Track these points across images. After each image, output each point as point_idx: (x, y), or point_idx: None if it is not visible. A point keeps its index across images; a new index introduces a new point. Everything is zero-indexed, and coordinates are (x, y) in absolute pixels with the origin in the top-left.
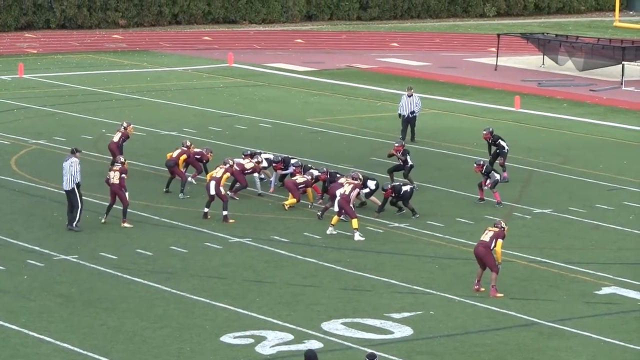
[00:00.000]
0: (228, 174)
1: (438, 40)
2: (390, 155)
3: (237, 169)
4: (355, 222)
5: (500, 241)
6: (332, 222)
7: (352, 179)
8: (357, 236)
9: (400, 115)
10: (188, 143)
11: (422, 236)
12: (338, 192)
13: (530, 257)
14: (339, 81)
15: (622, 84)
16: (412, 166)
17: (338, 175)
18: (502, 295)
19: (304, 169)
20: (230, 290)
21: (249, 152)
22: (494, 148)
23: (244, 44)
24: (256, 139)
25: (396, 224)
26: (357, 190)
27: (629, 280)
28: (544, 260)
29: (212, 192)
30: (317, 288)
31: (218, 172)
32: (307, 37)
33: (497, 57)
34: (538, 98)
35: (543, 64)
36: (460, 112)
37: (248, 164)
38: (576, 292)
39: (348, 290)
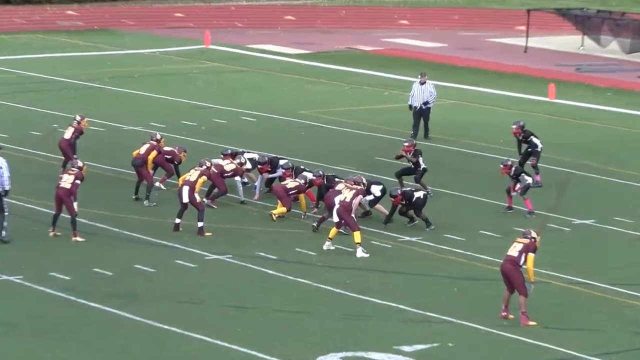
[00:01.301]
0: (204, 177)
1: (456, 17)
2: (399, 157)
3: (216, 171)
4: (357, 236)
5: (531, 255)
6: (330, 236)
7: (354, 184)
8: (360, 252)
9: (411, 106)
10: (158, 136)
11: (438, 252)
12: (337, 200)
13: (569, 277)
14: (338, 66)
15: None
16: (425, 169)
17: (336, 180)
18: (534, 323)
19: (296, 172)
20: (207, 318)
21: (229, 152)
22: (524, 146)
23: (224, 21)
24: (238, 136)
25: (407, 238)
26: (359, 197)
27: None
28: (585, 281)
29: (185, 199)
30: (311, 315)
31: (192, 175)
32: (299, 13)
33: (526, 37)
34: (576, 86)
35: (582, 45)
36: (483, 103)
37: (228, 165)
38: (624, 320)
39: (349, 318)
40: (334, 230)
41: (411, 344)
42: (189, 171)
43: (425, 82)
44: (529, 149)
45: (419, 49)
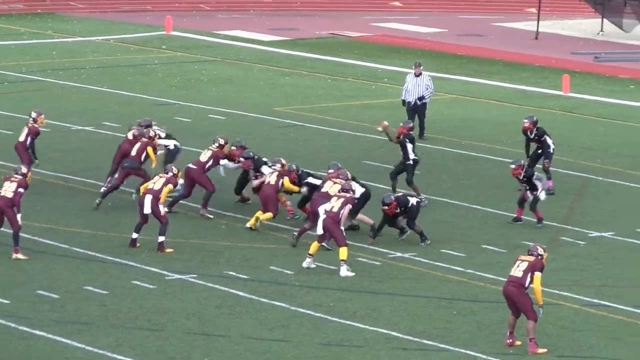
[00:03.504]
0: (170, 186)
1: None
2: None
3: (195, 167)
4: (343, 252)
5: (538, 274)
6: (310, 252)
7: (343, 191)
8: (344, 271)
9: (404, 101)
10: (152, 133)
11: (435, 270)
12: (322, 209)
13: (585, 298)
14: (320, 55)
15: None
16: (415, 161)
17: (312, 180)
18: (545, 350)
19: (256, 164)
20: (168, 347)
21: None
22: (533, 145)
23: (188, 3)
24: (204, 136)
25: (398, 254)
26: (348, 206)
27: None
28: (603, 303)
29: (147, 210)
30: (288, 343)
31: (157, 183)
32: None
33: (538, 21)
34: (595, 78)
35: (602, 30)
36: (487, 97)
37: (204, 155)
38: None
39: (331, 347)
40: (315, 245)
41: None
42: (152, 178)
43: (420, 74)
44: (539, 150)
45: (414, 35)
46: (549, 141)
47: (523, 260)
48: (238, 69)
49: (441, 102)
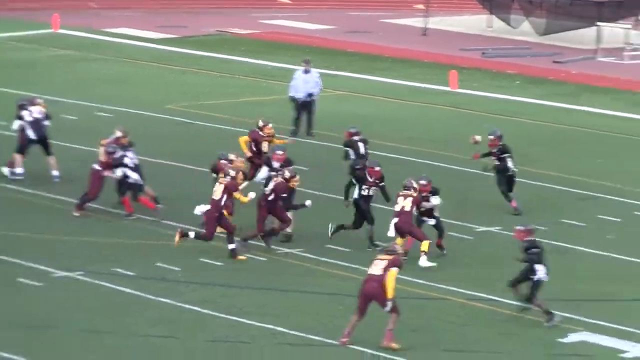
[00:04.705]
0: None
1: None
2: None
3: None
4: (425, 244)
5: (394, 270)
6: (424, 249)
7: (405, 189)
8: (424, 261)
9: (293, 98)
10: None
11: (321, 265)
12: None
13: (472, 292)
14: (208, 52)
15: (597, 52)
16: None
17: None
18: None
19: None
20: (55, 345)
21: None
22: (492, 162)
23: (75, 1)
24: (90, 133)
25: (285, 250)
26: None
27: (605, 323)
28: (489, 297)
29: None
30: (175, 340)
31: (216, 191)
32: None
33: (426, 17)
34: (482, 73)
35: (490, 26)
36: (376, 94)
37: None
38: (534, 341)
39: (218, 343)
40: (427, 243)
41: None
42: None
43: (309, 71)
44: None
45: (303, 32)
46: (511, 164)
47: (381, 259)
48: (127, 67)
49: (330, 99)
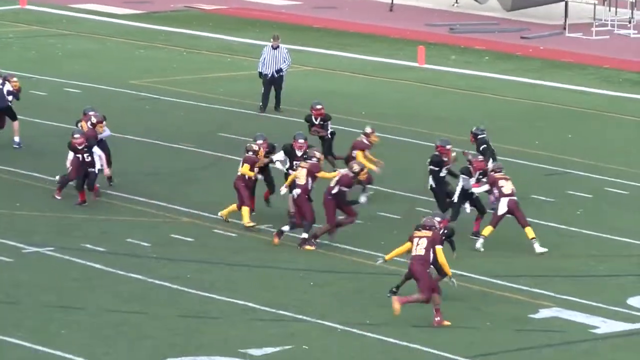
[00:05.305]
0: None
1: None
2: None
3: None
4: (530, 231)
5: (438, 249)
6: (484, 233)
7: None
8: (538, 247)
9: (261, 74)
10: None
11: (292, 242)
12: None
13: None
14: (174, 28)
15: (565, 28)
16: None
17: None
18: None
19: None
20: (25, 320)
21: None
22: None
23: None
24: (61, 110)
25: (255, 225)
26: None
27: (576, 299)
28: (459, 273)
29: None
30: (146, 316)
31: (300, 176)
32: None
33: None
34: (450, 49)
35: (457, 1)
36: (344, 69)
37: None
38: (505, 317)
39: (189, 318)
40: (490, 228)
41: (260, 347)
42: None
43: (278, 47)
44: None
45: (270, 8)
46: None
47: (421, 237)
48: (94, 43)
49: (297, 75)
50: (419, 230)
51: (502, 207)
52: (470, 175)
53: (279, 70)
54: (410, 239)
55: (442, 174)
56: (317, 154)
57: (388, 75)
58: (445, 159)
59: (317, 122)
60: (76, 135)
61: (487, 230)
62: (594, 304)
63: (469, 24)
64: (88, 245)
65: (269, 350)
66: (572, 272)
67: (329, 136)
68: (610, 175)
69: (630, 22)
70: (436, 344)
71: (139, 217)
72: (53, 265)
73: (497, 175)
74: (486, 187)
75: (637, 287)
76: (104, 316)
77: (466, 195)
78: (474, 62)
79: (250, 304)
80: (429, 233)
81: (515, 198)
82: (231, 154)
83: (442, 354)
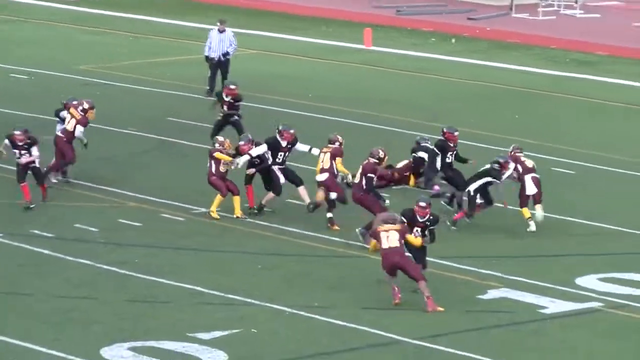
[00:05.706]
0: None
1: None
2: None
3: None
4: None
5: (409, 237)
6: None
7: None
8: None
9: (207, 58)
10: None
11: (240, 225)
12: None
13: None
14: (121, 13)
15: (511, 9)
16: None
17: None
18: (442, 309)
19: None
20: None
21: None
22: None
23: None
24: (8, 97)
25: (202, 209)
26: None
27: (524, 279)
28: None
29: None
30: (94, 301)
31: (325, 160)
32: None
33: None
34: (397, 31)
35: None
36: (290, 52)
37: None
38: (453, 298)
39: (137, 303)
40: (526, 210)
41: (209, 331)
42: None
43: (224, 30)
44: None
45: None
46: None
47: (389, 230)
48: (41, 29)
49: (243, 58)
50: (382, 225)
51: (530, 186)
52: (499, 178)
53: (226, 54)
54: (375, 235)
55: (447, 160)
56: (340, 138)
57: (335, 57)
58: (451, 144)
59: (227, 100)
60: (17, 132)
61: (525, 212)
62: (542, 284)
63: (416, 6)
64: (36, 231)
65: (217, 333)
66: (520, 253)
67: (238, 117)
68: (557, 155)
69: (576, 3)
70: (385, 325)
71: (86, 202)
72: (1, 251)
73: (518, 154)
74: (512, 166)
75: (584, 266)
76: (52, 302)
77: (482, 189)
78: (420, 43)
79: (198, 288)
80: (397, 226)
81: (537, 175)
82: (179, 138)
83: (390, 335)
